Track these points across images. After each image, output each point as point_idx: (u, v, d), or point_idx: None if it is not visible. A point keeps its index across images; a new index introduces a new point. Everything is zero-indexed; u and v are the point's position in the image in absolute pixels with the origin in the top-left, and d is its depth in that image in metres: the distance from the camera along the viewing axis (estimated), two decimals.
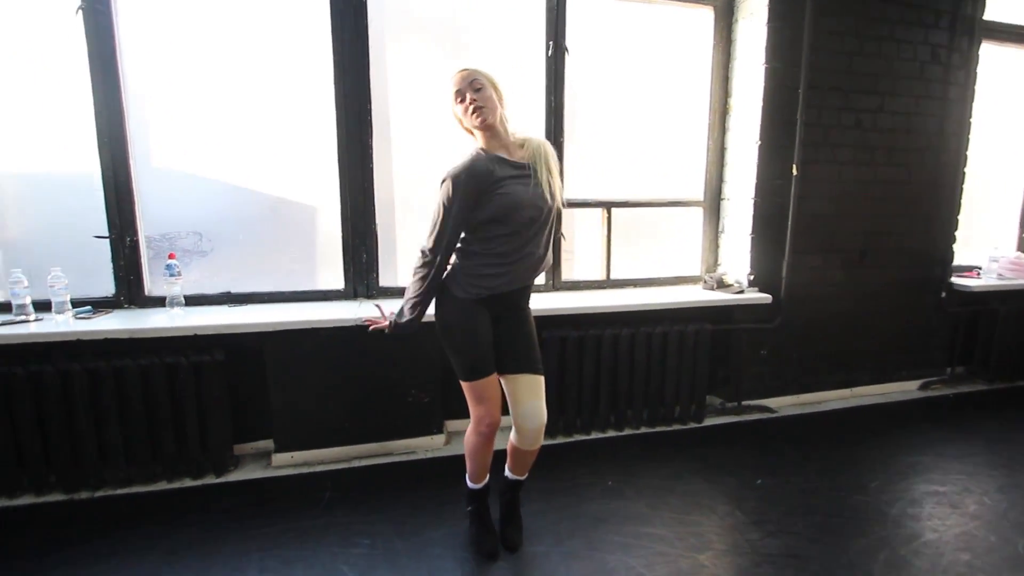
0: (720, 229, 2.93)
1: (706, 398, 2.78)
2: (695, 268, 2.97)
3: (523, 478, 1.79)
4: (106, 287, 2.26)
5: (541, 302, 2.48)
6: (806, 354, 2.91)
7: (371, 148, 2.41)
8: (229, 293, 2.39)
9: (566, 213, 2.74)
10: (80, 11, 2.08)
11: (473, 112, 1.49)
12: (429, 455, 2.36)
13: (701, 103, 2.82)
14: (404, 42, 2.45)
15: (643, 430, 2.63)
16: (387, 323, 1.73)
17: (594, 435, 2.57)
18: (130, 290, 2.28)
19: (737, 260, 2.82)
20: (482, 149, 1.54)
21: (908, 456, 2.36)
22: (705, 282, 2.83)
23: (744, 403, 2.85)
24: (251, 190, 2.41)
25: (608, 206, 2.77)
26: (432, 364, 2.37)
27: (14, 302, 2.05)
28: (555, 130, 2.61)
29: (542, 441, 1.68)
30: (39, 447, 1.98)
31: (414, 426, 2.39)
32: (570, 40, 2.57)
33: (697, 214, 2.92)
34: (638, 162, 2.83)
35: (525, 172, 1.53)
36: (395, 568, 1.64)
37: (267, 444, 2.32)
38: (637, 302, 2.53)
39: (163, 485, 2.10)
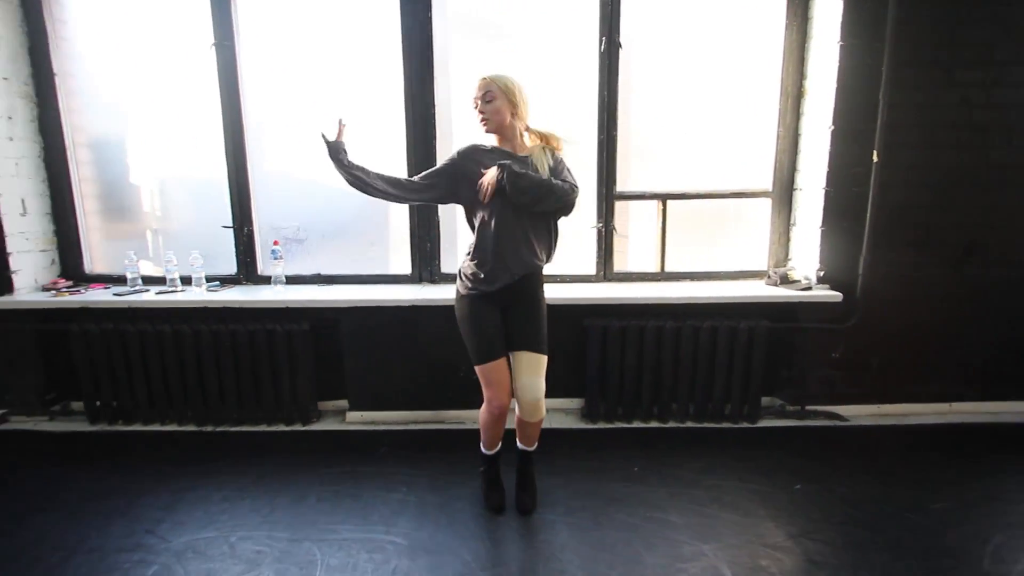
0: (791, 222, 2.75)
1: (761, 399, 2.66)
2: (761, 263, 2.82)
3: (531, 449, 1.95)
4: (230, 267, 2.83)
5: (584, 291, 2.58)
6: (890, 361, 2.63)
7: (435, 148, 2.69)
8: (319, 275, 2.84)
9: (619, 205, 2.78)
10: (213, 47, 2.62)
11: (481, 121, 1.75)
12: (474, 427, 2.58)
13: (771, 88, 2.66)
14: (463, 48, 2.68)
15: (688, 424, 2.60)
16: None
17: (635, 424, 2.61)
18: (247, 270, 2.83)
19: (807, 255, 2.64)
20: (493, 144, 1.79)
21: (998, 483, 2.07)
22: (769, 277, 2.69)
23: (808, 408, 2.67)
24: (337, 188, 2.82)
25: (664, 198, 2.75)
26: None
27: (167, 277, 2.67)
28: (607, 125, 2.66)
29: (542, 415, 1.83)
30: (179, 388, 2.57)
31: (464, 399, 2.64)
32: (628, 30, 2.60)
33: (764, 206, 2.77)
34: (699, 153, 2.78)
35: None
36: (421, 513, 1.90)
37: (343, 403, 2.73)
38: (682, 294, 2.51)
39: (263, 427, 2.61)
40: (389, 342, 2.60)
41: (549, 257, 1.85)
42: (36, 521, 1.86)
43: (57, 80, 2.66)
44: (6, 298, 2.50)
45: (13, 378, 2.64)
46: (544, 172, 1.73)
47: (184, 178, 2.84)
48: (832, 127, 2.43)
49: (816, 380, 2.66)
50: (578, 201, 1.76)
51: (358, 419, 2.66)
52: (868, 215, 2.47)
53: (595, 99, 2.65)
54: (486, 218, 1.75)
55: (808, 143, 2.61)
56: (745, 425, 2.59)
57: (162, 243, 2.87)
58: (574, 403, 2.75)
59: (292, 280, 2.80)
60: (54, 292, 2.59)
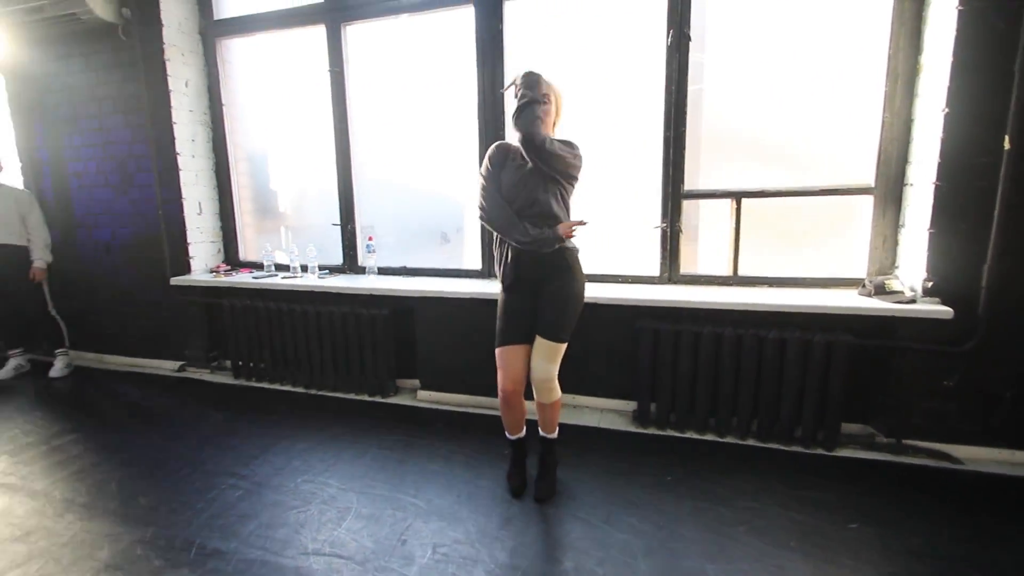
0: (900, 223, 2.35)
1: (848, 425, 2.33)
2: (861, 270, 2.46)
3: (551, 436, 2.03)
4: (338, 258, 3.35)
5: (641, 292, 2.52)
6: None
7: None
8: (405, 267, 3.22)
9: (688, 204, 2.65)
10: (329, 72, 3.12)
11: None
12: (529, 417, 2.72)
13: (874, 67, 2.30)
14: (530, 49, 2.79)
15: (749, 442, 2.40)
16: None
17: (688, 434, 2.49)
18: (350, 261, 3.32)
19: (915, 262, 2.24)
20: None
21: None
22: (863, 287, 2.34)
23: (908, 442, 2.26)
24: (423, 191, 3.17)
25: (738, 196, 2.56)
26: None
27: (291, 265, 3.27)
28: (675, 121, 2.56)
29: (553, 398, 1.93)
30: (293, 356, 3.14)
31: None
32: (704, 13, 2.48)
33: (866, 204, 2.41)
34: (782, 147, 2.51)
35: (527, 164, 1.82)
36: (449, 484, 2.10)
37: (416, 383, 3.06)
38: (743, 300, 2.32)
39: (351, 395, 3.06)
40: (455, 330, 2.85)
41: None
42: (179, 444, 2.48)
43: (224, 110, 3.42)
44: (185, 277, 3.31)
45: (190, 338, 3.48)
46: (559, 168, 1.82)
47: (308, 184, 3.43)
48: (946, 110, 2.03)
49: (922, 411, 2.24)
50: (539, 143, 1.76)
51: (427, 397, 2.97)
52: (996, 215, 2.01)
53: (662, 95, 2.56)
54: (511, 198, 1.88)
55: (923, 130, 2.20)
56: (819, 452, 2.30)
57: (291, 237, 3.50)
58: (629, 405, 2.71)
59: (383, 271, 3.21)
60: (216, 274, 3.35)
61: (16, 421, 2.78)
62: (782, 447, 2.35)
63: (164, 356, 3.58)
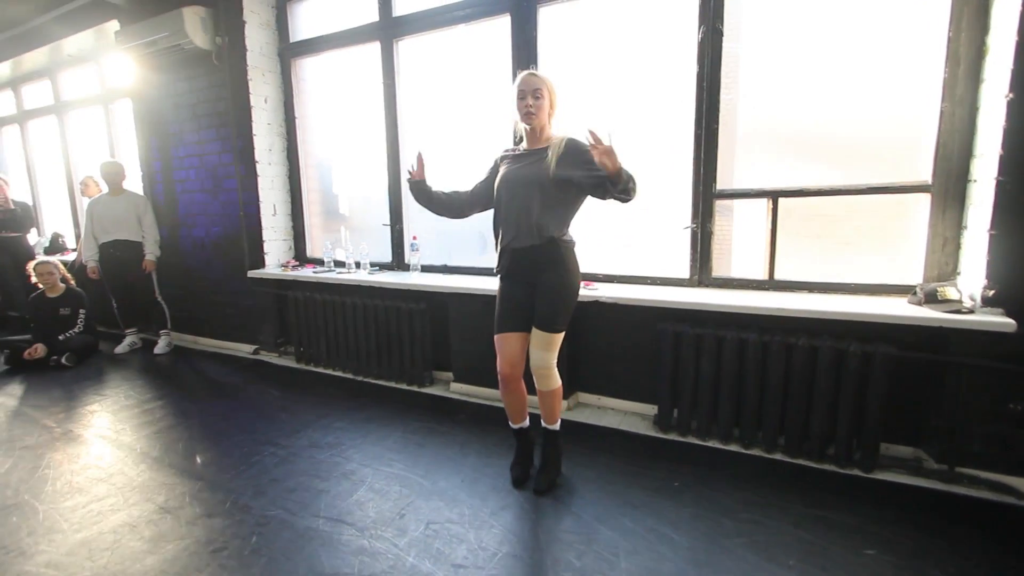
0: (963, 224, 2.10)
1: (892, 447, 2.12)
2: (914, 276, 2.22)
3: (553, 427, 2.07)
4: (387, 256, 3.60)
5: (667, 294, 2.47)
6: None
7: None
8: (446, 265, 3.39)
9: (722, 204, 2.55)
10: (383, 85, 3.39)
11: (525, 115, 1.91)
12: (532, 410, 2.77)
13: (933, 55, 2.08)
14: (562, 57, 2.84)
15: (777, 456, 2.26)
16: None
17: (711, 443, 2.39)
18: (398, 259, 3.56)
19: (976, 267, 1.99)
20: (522, 143, 2.02)
21: None
22: (914, 295, 2.12)
23: (962, 471, 2.01)
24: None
25: (774, 196, 2.42)
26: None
27: (346, 261, 3.58)
28: (706, 118, 2.49)
29: (552, 386, 1.99)
30: (343, 344, 3.44)
31: None
32: (735, 16, 2.40)
33: (922, 203, 2.18)
34: (825, 142, 2.34)
35: (529, 157, 1.91)
36: (457, 469, 2.21)
37: (450, 375, 3.22)
38: (771, 305, 2.19)
39: (392, 383, 3.28)
40: (484, 326, 2.96)
41: (553, 232, 1.91)
42: (242, 416, 2.83)
43: (296, 122, 3.83)
44: (260, 271, 3.75)
45: (262, 325, 3.92)
46: (553, 159, 1.86)
47: (364, 188, 3.73)
48: (1010, 95, 1.80)
49: (980, 437, 1.98)
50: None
51: (458, 390, 3.11)
52: None
53: (693, 91, 2.50)
54: (502, 200, 1.98)
55: (991, 119, 1.96)
56: (855, 473, 2.11)
57: (348, 236, 3.83)
58: (652, 409, 2.65)
59: (426, 268, 3.41)
60: (285, 268, 3.75)
61: (123, 387, 3.32)
62: (812, 464, 2.18)
63: (243, 340, 4.06)
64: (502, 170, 2.02)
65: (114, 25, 4.06)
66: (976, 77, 2.00)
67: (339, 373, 3.50)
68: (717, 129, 2.49)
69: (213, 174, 3.91)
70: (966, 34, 2.00)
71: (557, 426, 2.09)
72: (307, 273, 3.56)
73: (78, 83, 5.12)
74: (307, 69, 3.78)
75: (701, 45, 2.45)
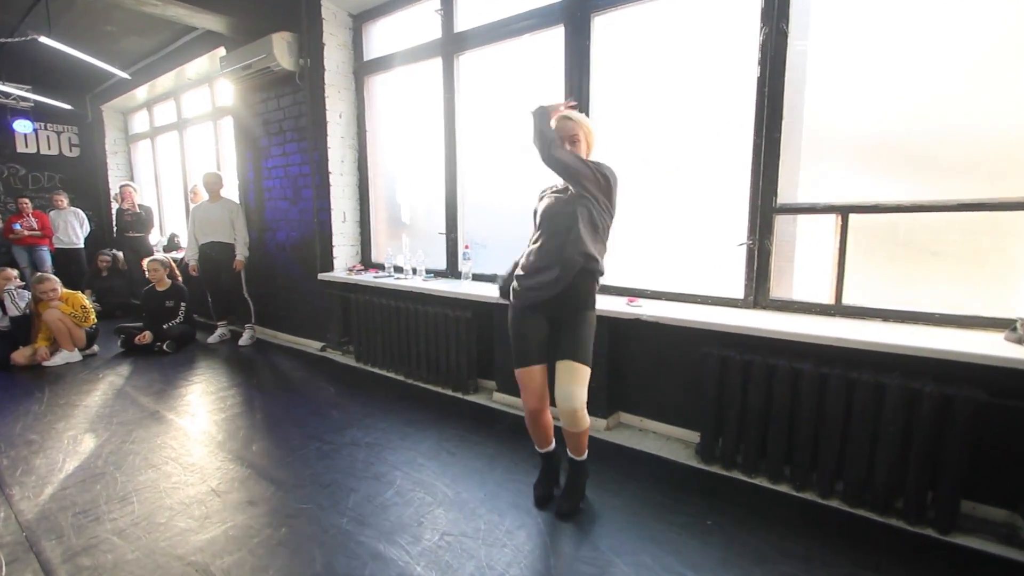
0: None
1: (961, 502, 1.82)
2: (1017, 308, 1.89)
3: (579, 459, 2.00)
4: (442, 264, 3.71)
5: (719, 315, 2.31)
6: None
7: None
8: (496, 274, 3.41)
9: (782, 220, 2.34)
10: (443, 99, 3.50)
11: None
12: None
13: None
14: (615, 67, 2.75)
15: (833, 503, 2.01)
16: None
17: (758, 480, 2.19)
18: (452, 267, 3.65)
19: None
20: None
21: None
22: (1013, 331, 1.80)
23: None
24: (510, 207, 3.35)
25: (844, 211, 2.18)
26: (600, 356, 2.65)
27: (404, 268, 3.73)
28: (768, 126, 2.30)
29: (581, 427, 1.90)
30: (396, 348, 3.58)
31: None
32: (803, 17, 2.20)
33: (1022, 223, 1.85)
34: (904, 151, 2.06)
35: (567, 192, 1.84)
36: (482, 481, 2.21)
37: (494, 384, 3.23)
38: (831, 334, 1.96)
39: (438, 388, 3.37)
40: None
41: (593, 259, 1.86)
42: (295, 408, 3.05)
43: (367, 135, 4.07)
44: (329, 273, 4.02)
45: (329, 324, 4.20)
46: (593, 188, 1.84)
47: (425, 198, 3.87)
48: None
49: None
50: (549, 160, 1.80)
51: (501, 399, 3.12)
52: None
53: (753, 97, 2.32)
54: (545, 231, 1.93)
55: None
56: (928, 532, 1.83)
57: (409, 244, 3.99)
58: (695, 436, 2.48)
59: (477, 277, 3.46)
60: (350, 272, 3.99)
61: (208, 374, 3.72)
62: (875, 516, 1.92)
63: (313, 337, 4.38)
64: (544, 204, 1.95)
65: (221, 51, 4.58)
66: None
67: (391, 374, 3.65)
68: (779, 138, 2.28)
69: (294, 184, 4.26)
70: None
71: (584, 457, 2.01)
72: (368, 277, 3.76)
73: (195, 103, 5.83)
74: (377, 85, 4.01)
75: (763, 47, 2.27)
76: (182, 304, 4.47)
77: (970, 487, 1.83)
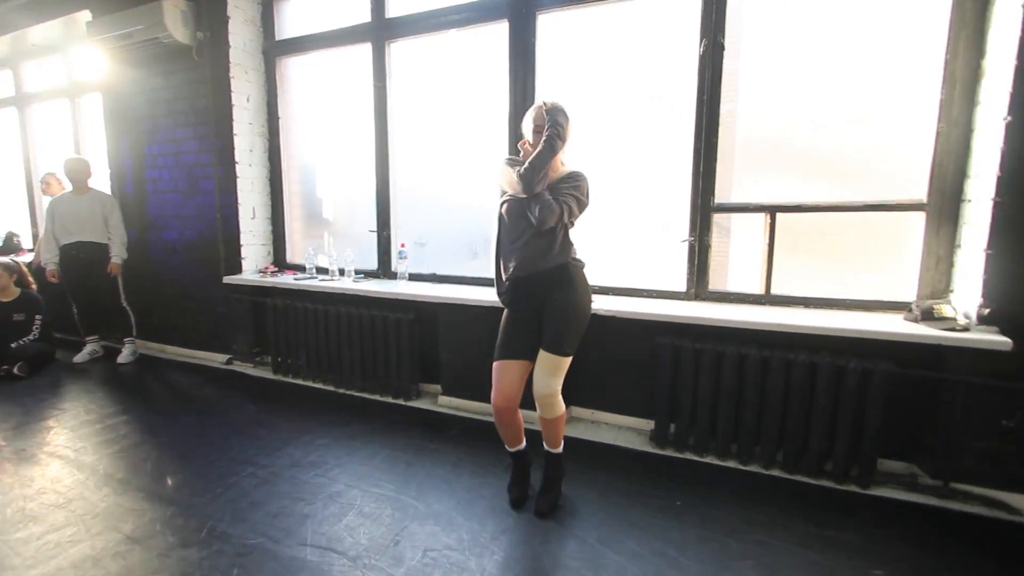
0: (956, 243, 2.13)
1: (886, 462, 2.13)
2: (909, 293, 2.25)
3: (555, 451, 1.99)
4: (372, 263, 3.48)
5: (664, 307, 2.44)
6: None
7: None
8: (435, 274, 3.29)
9: (719, 219, 2.54)
10: (373, 88, 3.28)
11: (532, 145, 1.88)
12: (531, 426, 2.69)
13: (930, 74, 2.12)
14: (559, 59, 2.80)
15: (775, 472, 2.24)
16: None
17: (708, 459, 2.36)
18: (384, 266, 3.44)
19: (971, 285, 2.02)
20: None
21: None
22: (910, 312, 2.14)
23: (956, 486, 2.02)
24: (453, 201, 3.25)
25: (772, 211, 2.43)
26: None
27: (330, 268, 3.44)
28: (706, 132, 2.48)
29: (555, 413, 1.90)
30: (325, 356, 3.29)
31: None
32: (736, 31, 2.40)
33: (917, 221, 2.21)
34: (823, 159, 2.36)
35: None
36: (451, 490, 2.11)
37: (438, 388, 3.11)
38: (771, 320, 2.18)
39: (376, 396, 3.15)
40: (476, 338, 2.87)
41: (555, 259, 1.88)
42: (213, 431, 2.66)
43: (280, 122, 3.68)
44: (237, 276, 3.57)
45: (237, 334, 3.73)
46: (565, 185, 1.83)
47: (350, 192, 3.61)
48: (1008, 118, 1.83)
49: (975, 452, 2.00)
50: (551, 218, 1.79)
51: (446, 403, 3.00)
52: None
53: (693, 104, 2.49)
54: (502, 225, 1.93)
55: (985, 141, 2.00)
56: (852, 489, 2.10)
57: (332, 242, 3.68)
58: (647, 424, 2.61)
59: (414, 277, 3.30)
60: (263, 274, 3.58)
61: (82, 400, 3.09)
62: (810, 480, 2.17)
63: (215, 349, 3.86)
64: (504, 203, 1.94)
65: (86, 15, 3.84)
66: (971, 99, 2.05)
67: (319, 385, 3.35)
68: (717, 143, 2.48)
69: (189, 174, 3.72)
70: (962, 57, 2.04)
71: (560, 449, 2.01)
72: (288, 280, 3.41)
73: (42, 75, 4.83)
74: (292, 68, 3.65)
75: (702, 59, 2.45)
76: (36, 317, 3.68)
77: (880, 446, 2.13)
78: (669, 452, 2.43)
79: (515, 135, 2.87)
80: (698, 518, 1.92)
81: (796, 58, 2.36)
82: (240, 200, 3.56)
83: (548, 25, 2.79)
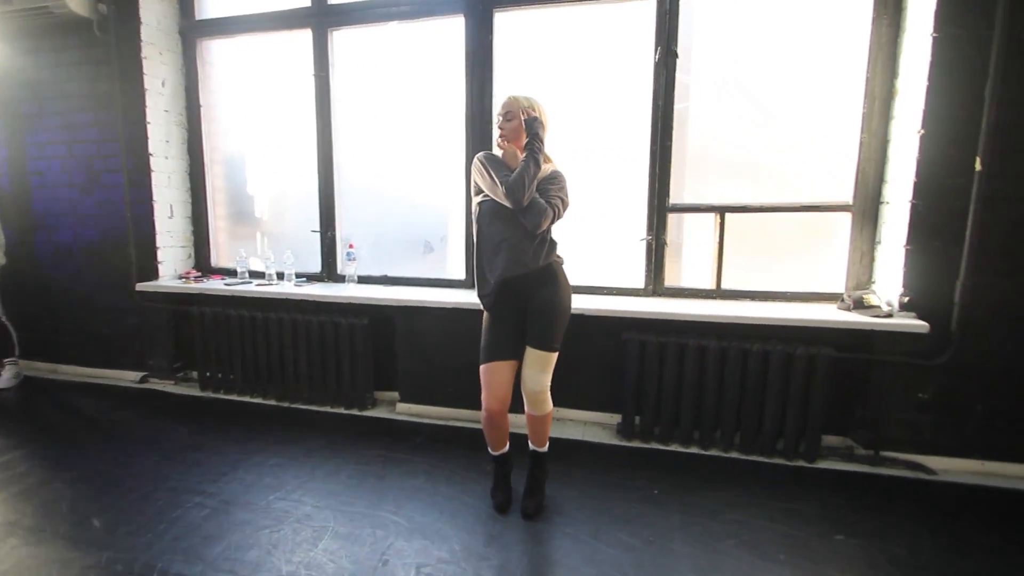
0: (876, 240, 2.42)
1: (825, 437, 2.36)
2: (838, 285, 2.51)
3: (542, 450, 1.98)
4: (316, 266, 3.25)
5: (627, 304, 2.52)
6: (999, 409, 2.17)
7: None
8: (386, 276, 3.14)
9: (674, 218, 2.68)
10: (313, 77, 3.06)
11: (500, 136, 1.87)
12: (513, 430, 2.66)
13: (854, 90, 2.38)
14: (520, 64, 2.80)
15: (733, 455, 2.40)
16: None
17: (672, 447, 2.47)
18: (329, 269, 3.23)
19: (891, 278, 2.30)
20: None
21: None
22: (842, 302, 2.39)
23: (885, 454, 2.30)
24: (405, 199, 3.12)
25: (721, 211, 2.60)
26: None
27: (266, 272, 3.15)
28: (661, 135, 2.60)
29: (545, 410, 1.89)
30: (265, 367, 3.01)
31: None
32: (689, 33, 2.54)
33: (844, 221, 2.47)
34: (766, 163, 2.57)
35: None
36: (431, 501, 2.02)
37: (395, 395, 2.97)
38: (730, 313, 2.34)
39: (327, 408, 2.94)
40: (436, 341, 2.78)
41: (542, 260, 1.88)
42: (140, 460, 2.33)
43: (202, 111, 3.32)
44: (153, 283, 3.16)
45: (154, 348, 3.30)
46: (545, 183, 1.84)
47: (286, 189, 3.34)
48: (922, 131, 2.11)
49: (897, 423, 2.28)
50: (545, 221, 1.81)
51: (406, 410, 2.88)
52: (968, 234, 2.09)
53: (649, 109, 2.60)
54: (483, 225, 1.88)
55: (898, 151, 2.29)
56: (800, 464, 2.31)
57: (267, 243, 3.39)
58: (612, 419, 2.68)
59: (363, 279, 3.12)
60: (185, 280, 3.20)
61: None
62: (764, 459, 2.35)
63: (125, 366, 3.39)
64: (483, 203, 1.89)
65: None
66: (887, 114, 2.33)
67: (259, 400, 3.06)
68: (671, 146, 2.61)
69: (87, 167, 3.23)
70: (880, 76, 2.32)
71: (546, 448, 2.00)
72: (217, 285, 3.07)
73: None
74: (216, 52, 3.30)
75: (657, 66, 2.56)
76: None
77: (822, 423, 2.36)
78: (636, 443, 2.52)
79: (472, 132, 2.82)
80: (677, 504, 2.00)
81: (739, 70, 2.54)
82: (155, 196, 3.16)
83: (507, 24, 2.77)
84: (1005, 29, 1.97)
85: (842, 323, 2.23)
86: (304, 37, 3.03)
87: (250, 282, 3.14)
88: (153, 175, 3.13)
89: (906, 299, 2.22)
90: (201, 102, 3.30)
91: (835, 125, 2.44)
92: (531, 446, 2.00)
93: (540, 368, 1.84)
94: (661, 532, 1.83)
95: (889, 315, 2.22)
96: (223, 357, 3.09)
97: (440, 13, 2.82)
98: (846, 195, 2.45)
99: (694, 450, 2.45)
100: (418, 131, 3.01)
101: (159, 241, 3.20)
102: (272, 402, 3.03)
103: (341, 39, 3.04)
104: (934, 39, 2.06)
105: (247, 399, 3.07)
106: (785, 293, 2.57)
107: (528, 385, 1.85)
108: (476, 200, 1.92)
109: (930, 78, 2.08)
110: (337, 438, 2.57)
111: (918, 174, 2.13)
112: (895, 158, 2.30)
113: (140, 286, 3.15)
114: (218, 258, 3.48)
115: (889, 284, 2.31)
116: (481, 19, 2.74)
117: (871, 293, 2.32)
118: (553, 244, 1.93)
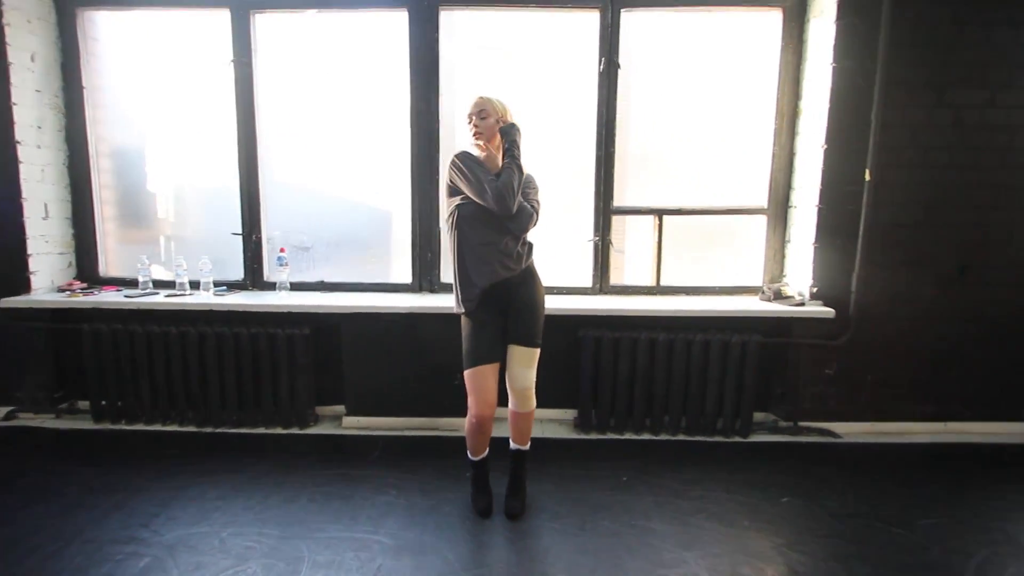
0: (786, 239, 2.78)
1: (755, 414, 2.66)
2: (756, 279, 2.85)
3: (524, 448, 2.00)
4: (238, 273, 2.92)
5: (580, 303, 2.62)
6: (884, 379, 2.62)
7: (438, 162, 2.78)
8: (323, 282, 2.92)
9: (617, 220, 2.84)
10: (232, 64, 2.75)
11: (474, 135, 1.85)
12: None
13: (767, 108, 2.72)
14: (468, 67, 2.79)
15: (680, 437, 2.61)
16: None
17: (627, 436, 2.62)
18: (254, 276, 2.92)
19: (801, 271, 2.66)
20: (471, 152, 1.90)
21: (987, 502, 2.05)
22: (763, 293, 2.72)
23: (802, 424, 2.66)
24: (343, 199, 2.94)
25: (660, 213, 2.81)
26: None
27: (176, 280, 2.77)
28: (605, 141, 2.74)
29: (531, 406, 1.92)
30: (182, 390, 2.65)
31: (459, 407, 2.62)
32: (628, 51, 2.70)
33: (760, 223, 2.81)
34: (696, 170, 2.83)
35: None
36: (409, 515, 1.93)
37: (340, 408, 2.78)
38: (676, 307, 2.54)
39: (261, 430, 2.66)
40: (387, 348, 2.66)
41: (525, 262, 1.92)
42: (36, 513, 1.92)
43: (85, 93, 2.81)
44: (23, 297, 2.61)
45: (24, 376, 2.73)
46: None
47: (198, 187, 2.96)
48: (825, 146, 2.48)
49: (810, 396, 2.65)
50: (531, 225, 1.87)
51: (354, 424, 2.71)
52: (860, 233, 2.50)
53: (594, 117, 2.73)
54: (464, 228, 1.84)
55: (802, 162, 2.66)
56: (737, 440, 2.59)
57: (174, 248, 2.98)
58: (568, 414, 2.77)
59: (296, 287, 2.87)
60: (69, 293, 2.69)
61: None
62: (707, 439, 2.59)
63: None
64: (462, 206, 1.84)
65: None
66: (793, 130, 2.70)
67: (175, 428, 2.67)
68: (614, 152, 2.77)
69: None
70: (787, 97, 2.68)
71: (528, 446, 2.01)
72: (115, 298, 2.63)
73: None
74: (104, 26, 2.82)
75: (601, 75, 2.70)
76: None
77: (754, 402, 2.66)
78: (594, 435, 2.63)
79: (418, 131, 2.75)
80: (646, 488, 2.13)
81: (671, 85, 2.78)
82: (25, 193, 2.62)
83: (455, 24, 2.73)
84: (884, 63, 2.39)
85: (767, 312, 2.54)
86: (221, 17, 2.72)
87: (156, 293, 2.74)
88: (22, 167, 2.60)
89: (815, 289, 2.58)
90: (84, 83, 2.80)
91: (752, 138, 2.77)
92: (513, 445, 2.00)
93: (527, 364, 1.87)
94: (639, 514, 1.94)
95: (802, 304, 2.57)
96: (125, 381, 2.66)
97: (382, 5, 2.71)
98: (762, 200, 2.79)
99: (647, 436, 2.62)
100: (359, 128, 2.85)
101: (31, 247, 2.66)
102: (191, 428, 2.67)
103: (267, 23, 2.77)
104: (833, 68, 2.43)
105: (158, 428, 2.67)
106: (714, 287, 2.85)
107: (517, 382, 1.86)
108: (453, 202, 1.87)
109: (831, 101, 2.45)
110: (283, 460, 2.34)
111: (823, 182, 2.50)
112: (800, 168, 2.68)
113: (7, 302, 2.59)
114: (107, 266, 2.98)
115: (799, 277, 2.67)
116: (427, 15, 2.67)
117: (786, 285, 2.66)
118: (531, 246, 1.95)
